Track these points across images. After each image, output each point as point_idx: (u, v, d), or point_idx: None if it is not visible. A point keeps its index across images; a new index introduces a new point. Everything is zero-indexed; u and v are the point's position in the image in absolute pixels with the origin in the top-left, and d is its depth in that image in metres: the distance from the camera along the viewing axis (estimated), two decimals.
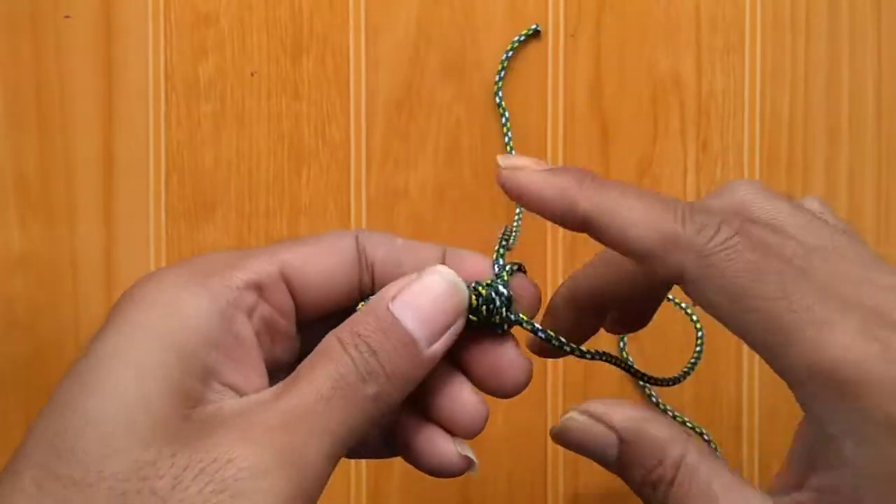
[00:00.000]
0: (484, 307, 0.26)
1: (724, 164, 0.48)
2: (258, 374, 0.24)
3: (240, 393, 0.23)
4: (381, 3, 0.47)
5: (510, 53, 0.47)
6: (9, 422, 0.46)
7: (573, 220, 0.25)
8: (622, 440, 0.25)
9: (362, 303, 0.26)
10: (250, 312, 0.24)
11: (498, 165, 0.26)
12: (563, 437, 0.26)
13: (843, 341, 0.21)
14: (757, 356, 0.48)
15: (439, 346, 0.24)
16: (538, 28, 0.48)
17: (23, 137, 0.47)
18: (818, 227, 0.24)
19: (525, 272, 0.28)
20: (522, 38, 0.48)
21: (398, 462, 0.46)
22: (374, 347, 0.23)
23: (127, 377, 0.21)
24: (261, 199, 0.47)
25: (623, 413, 0.25)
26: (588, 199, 0.25)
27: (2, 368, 0.47)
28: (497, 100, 0.47)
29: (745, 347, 0.47)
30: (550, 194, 0.25)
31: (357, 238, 0.27)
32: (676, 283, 0.24)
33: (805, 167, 0.49)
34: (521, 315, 0.26)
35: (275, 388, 0.23)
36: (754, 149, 0.49)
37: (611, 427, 0.25)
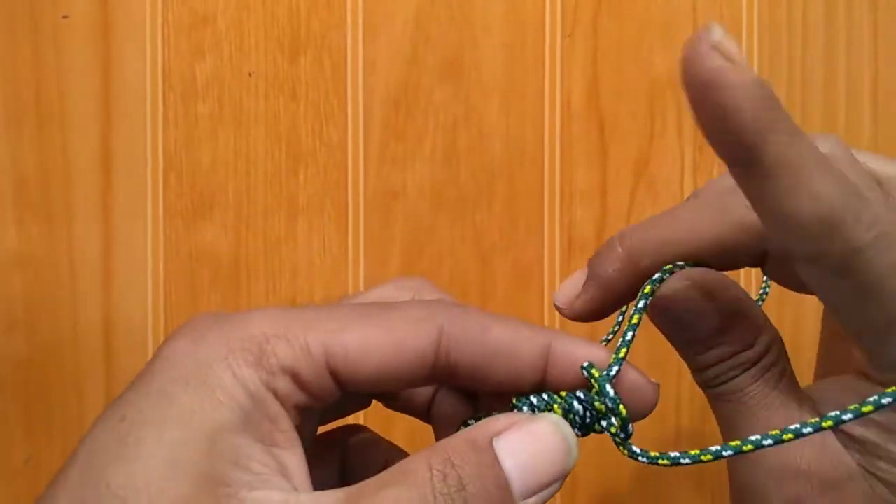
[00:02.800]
0: (586, 417, 0.23)
1: (722, 164, 0.48)
2: (295, 453, 0.22)
3: (277, 475, 0.21)
4: (379, 2, 0.48)
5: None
6: (8, 422, 0.46)
7: (743, 159, 0.21)
8: (723, 315, 0.24)
9: (462, 425, 0.23)
10: (285, 398, 0.22)
11: (561, 310, 0.24)
12: (664, 306, 0.25)
13: None
14: None
15: (532, 502, 0.21)
16: None
17: (21, 137, 0.47)
18: None
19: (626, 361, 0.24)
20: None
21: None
22: (465, 482, 0.20)
23: (157, 457, 0.20)
24: (258, 198, 0.47)
25: (727, 288, 0.24)
26: (779, 141, 0.20)
27: (1, 368, 0.47)
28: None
29: None
30: (615, 287, 0.24)
31: (442, 329, 0.23)
32: (833, 260, 0.21)
33: None
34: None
35: (335, 496, 0.20)
36: None
37: (714, 299, 0.24)
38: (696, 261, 0.25)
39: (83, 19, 0.47)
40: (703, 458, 0.23)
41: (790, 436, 0.22)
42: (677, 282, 0.25)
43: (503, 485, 0.21)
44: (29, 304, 0.47)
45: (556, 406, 0.23)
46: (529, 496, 0.21)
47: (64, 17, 0.47)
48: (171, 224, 0.47)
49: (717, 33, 0.20)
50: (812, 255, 0.21)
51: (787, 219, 0.21)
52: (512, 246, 0.48)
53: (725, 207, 0.25)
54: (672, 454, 0.24)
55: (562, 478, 0.22)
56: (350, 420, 0.28)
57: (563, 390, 0.23)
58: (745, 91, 0.20)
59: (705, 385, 0.26)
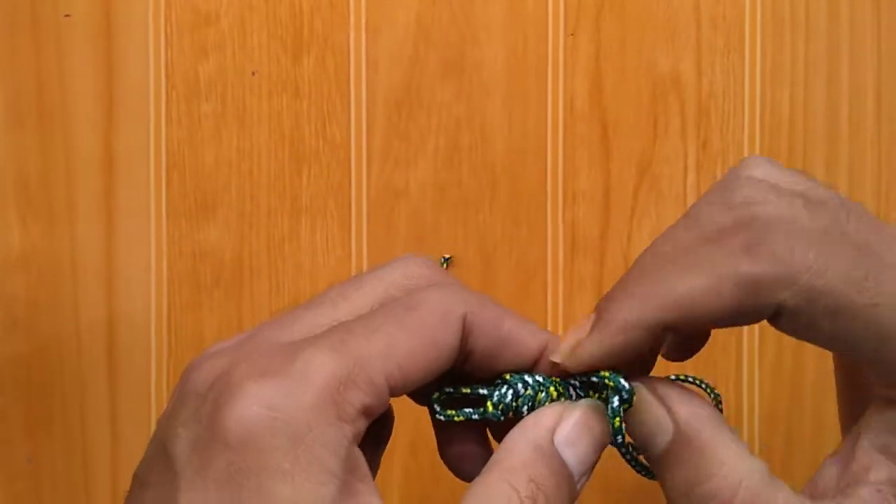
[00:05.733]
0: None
1: (725, 163, 0.48)
2: (375, 494, 0.22)
3: None
4: (381, 2, 0.47)
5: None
6: (9, 422, 0.46)
7: (656, 338, 0.23)
8: (679, 434, 0.24)
9: (497, 413, 0.25)
10: (358, 436, 0.22)
11: (556, 365, 0.25)
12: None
13: None
14: (757, 357, 0.48)
15: (583, 483, 0.24)
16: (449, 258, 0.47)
17: (23, 137, 0.47)
18: (822, 191, 0.24)
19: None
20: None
21: (398, 460, 0.46)
22: (550, 498, 0.22)
23: None
24: (262, 198, 0.47)
25: (689, 405, 0.24)
26: (646, 315, 0.23)
27: (2, 368, 0.47)
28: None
29: (745, 348, 0.48)
30: (618, 342, 0.24)
31: (465, 319, 0.24)
32: (775, 323, 0.23)
33: (805, 166, 0.49)
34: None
35: None
36: (754, 148, 0.49)
37: (672, 413, 0.24)
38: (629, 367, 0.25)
39: (85, 18, 0.47)
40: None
41: None
42: (636, 384, 0.25)
43: (572, 480, 0.23)
44: (31, 304, 0.47)
45: (552, 388, 0.25)
46: (583, 478, 0.24)
47: (66, 15, 0.47)
48: (174, 223, 0.47)
49: (558, 356, 0.25)
50: (769, 314, 0.22)
51: (716, 321, 0.23)
52: (515, 245, 0.48)
53: (712, 262, 0.23)
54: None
55: (601, 452, 0.24)
56: None
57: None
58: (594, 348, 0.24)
59: None
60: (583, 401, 0.25)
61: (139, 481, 0.22)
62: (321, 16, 0.47)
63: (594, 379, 0.25)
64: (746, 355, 0.48)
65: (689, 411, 0.24)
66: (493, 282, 0.47)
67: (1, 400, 0.46)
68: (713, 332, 0.47)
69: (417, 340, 0.22)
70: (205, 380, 0.22)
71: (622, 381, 0.24)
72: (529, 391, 0.25)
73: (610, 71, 0.48)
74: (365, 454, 0.24)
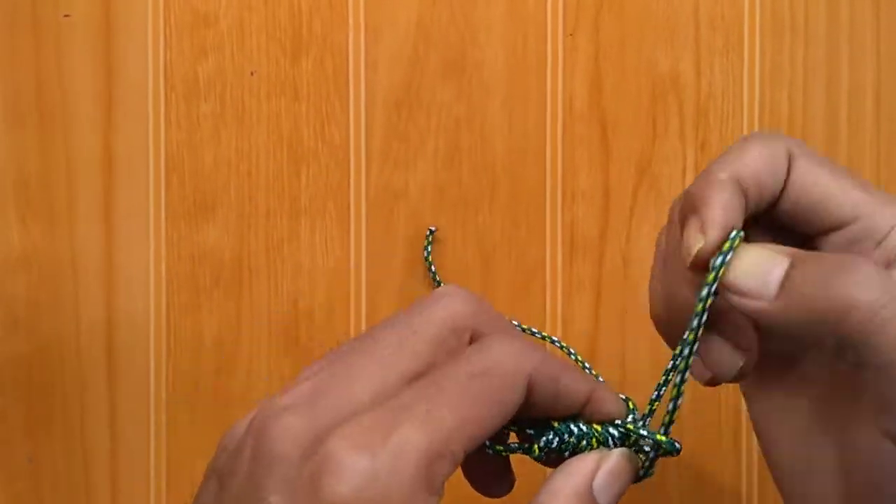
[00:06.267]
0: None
1: None
2: None
3: None
4: (381, 3, 0.47)
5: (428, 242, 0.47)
6: (9, 422, 0.46)
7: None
8: (794, 262, 0.26)
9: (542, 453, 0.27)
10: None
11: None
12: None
13: None
14: None
15: None
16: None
17: (22, 137, 0.47)
18: None
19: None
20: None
21: None
22: None
23: None
24: (261, 199, 0.47)
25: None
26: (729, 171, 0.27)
27: (2, 368, 0.47)
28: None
29: None
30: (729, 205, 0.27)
31: (529, 377, 0.25)
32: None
33: None
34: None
35: None
36: None
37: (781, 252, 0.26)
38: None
39: (85, 19, 0.47)
40: None
41: None
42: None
43: None
44: (31, 304, 0.47)
45: (594, 439, 0.27)
46: None
47: (65, 15, 0.47)
48: (174, 224, 0.47)
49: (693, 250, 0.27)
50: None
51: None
52: (514, 246, 0.48)
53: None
54: None
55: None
56: None
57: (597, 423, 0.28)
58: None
59: None
60: (617, 450, 0.27)
61: None
62: (320, 17, 0.47)
63: (644, 435, 0.28)
64: None
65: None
66: (493, 282, 0.47)
67: (1, 400, 0.47)
68: None
69: (489, 408, 0.24)
70: (294, 444, 0.22)
71: (675, 443, 0.28)
72: (573, 439, 0.27)
73: (609, 71, 0.48)
74: None
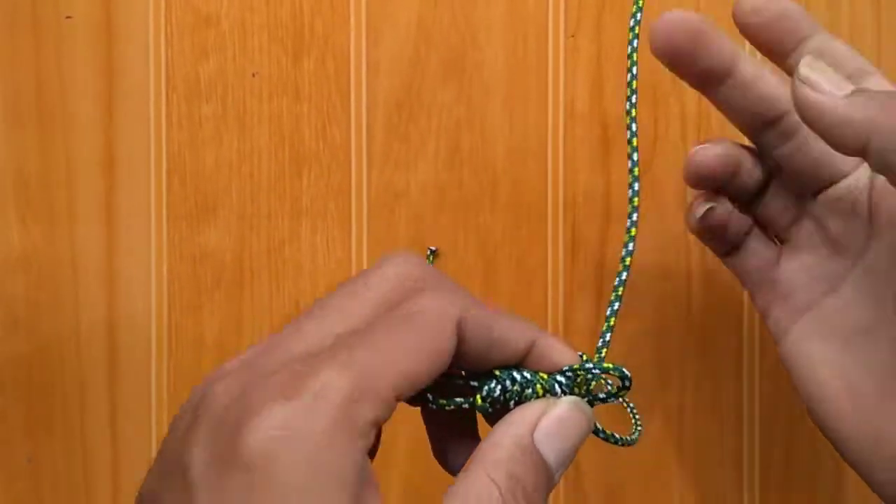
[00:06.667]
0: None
1: None
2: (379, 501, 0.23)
3: None
4: (382, 4, 0.47)
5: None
6: (9, 422, 0.46)
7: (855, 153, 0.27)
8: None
9: (480, 399, 0.26)
10: (370, 448, 0.23)
11: (798, 77, 0.28)
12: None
13: None
14: (757, 357, 0.48)
15: (561, 473, 0.25)
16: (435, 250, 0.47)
17: (23, 138, 0.47)
18: None
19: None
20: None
21: (401, 460, 0.46)
22: (529, 492, 0.24)
23: None
24: (262, 200, 0.47)
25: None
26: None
27: (2, 368, 0.47)
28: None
29: (745, 348, 0.48)
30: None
31: (459, 323, 0.25)
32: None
33: None
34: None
35: None
36: None
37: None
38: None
39: (86, 20, 0.47)
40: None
41: None
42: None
43: (549, 473, 0.25)
44: (31, 305, 0.47)
45: (538, 385, 0.26)
46: (561, 469, 0.25)
47: (67, 17, 0.47)
48: (175, 225, 0.47)
49: (806, 69, 0.28)
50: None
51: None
52: (515, 247, 0.48)
53: None
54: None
55: (583, 443, 0.26)
56: None
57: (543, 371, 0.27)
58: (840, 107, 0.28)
59: None
60: (565, 398, 0.26)
61: (149, 499, 0.22)
62: (322, 18, 0.47)
63: (592, 368, 0.27)
64: (746, 356, 0.48)
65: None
66: (494, 284, 0.48)
67: (1, 400, 0.47)
68: (713, 335, 0.47)
69: (417, 350, 0.23)
70: (221, 401, 0.22)
71: (624, 370, 0.27)
72: (517, 387, 0.26)
73: (611, 73, 0.48)
74: None
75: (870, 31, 0.49)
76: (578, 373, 0.27)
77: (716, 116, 0.48)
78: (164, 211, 0.47)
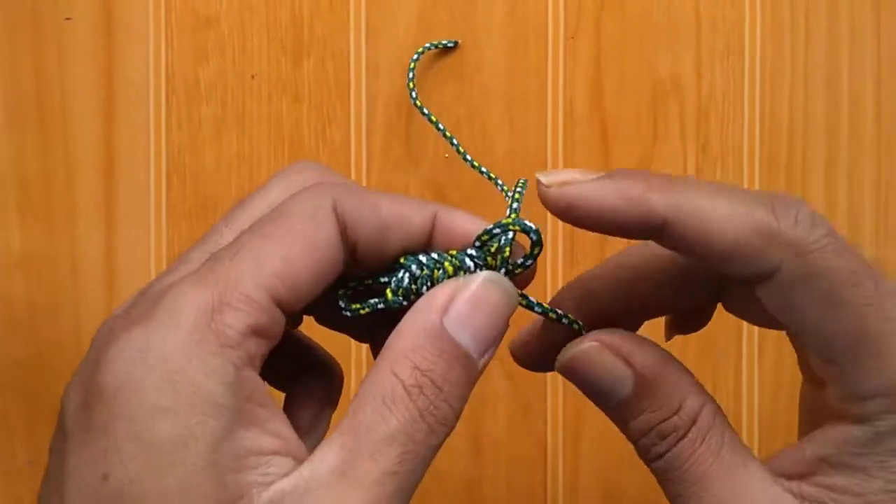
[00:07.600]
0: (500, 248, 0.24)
1: (724, 166, 0.48)
2: (277, 418, 0.21)
3: (275, 456, 0.20)
4: (381, 5, 0.48)
5: (416, 59, 0.46)
6: (9, 422, 0.46)
7: (648, 227, 0.22)
8: (640, 379, 0.23)
9: (392, 293, 0.23)
10: (255, 356, 0.21)
11: (539, 183, 0.23)
12: (571, 367, 0.24)
13: None
14: (757, 356, 0.48)
15: (489, 357, 0.23)
16: (456, 42, 0.47)
17: (24, 139, 0.47)
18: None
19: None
20: (436, 46, 0.47)
21: None
22: (439, 383, 0.21)
23: None
24: None
25: (644, 350, 0.23)
26: (665, 200, 0.22)
27: (2, 369, 0.47)
28: (413, 101, 0.46)
29: (745, 347, 0.48)
30: (616, 203, 0.22)
31: (335, 212, 0.23)
32: (756, 283, 0.22)
33: (804, 169, 0.49)
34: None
35: (332, 460, 0.20)
36: (754, 151, 0.49)
37: (629, 362, 0.23)
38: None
39: (86, 21, 0.47)
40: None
41: None
42: (586, 344, 0.24)
43: (467, 361, 0.22)
44: (31, 305, 0.47)
45: (447, 263, 0.23)
46: (485, 353, 0.22)
47: (67, 18, 0.47)
48: (174, 226, 0.47)
49: (545, 176, 0.23)
50: (746, 276, 0.22)
51: (714, 252, 0.22)
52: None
53: (743, 197, 0.23)
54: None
55: (508, 321, 0.23)
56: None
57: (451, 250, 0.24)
58: (595, 191, 0.23)
59: (647, 462, 0.24)
60: (478, 273, 0.23)
61: (50, 452, 0.22)
62: (321, 19, 0.47)
63: (495, 230, 0.24)
64: (746, 357, 0.48)
65: (645, 358, 0.23)
66: None
67: (1, 401, 0.47)
68: (713, 334, 0.47)
69: (289, 246, 0.21)
70: (94, 345, 0.21)
71: (527, 222, 0.24)
72: (426, 271, 0.23)
73: (610, 73, 0.48)
74: (306, 413, 0.24)
75: (870, 32, 0.49)
76: (483, 238, 0.24)
77: (716, 117, 0.48)
78: (164, 212, 0.47)
